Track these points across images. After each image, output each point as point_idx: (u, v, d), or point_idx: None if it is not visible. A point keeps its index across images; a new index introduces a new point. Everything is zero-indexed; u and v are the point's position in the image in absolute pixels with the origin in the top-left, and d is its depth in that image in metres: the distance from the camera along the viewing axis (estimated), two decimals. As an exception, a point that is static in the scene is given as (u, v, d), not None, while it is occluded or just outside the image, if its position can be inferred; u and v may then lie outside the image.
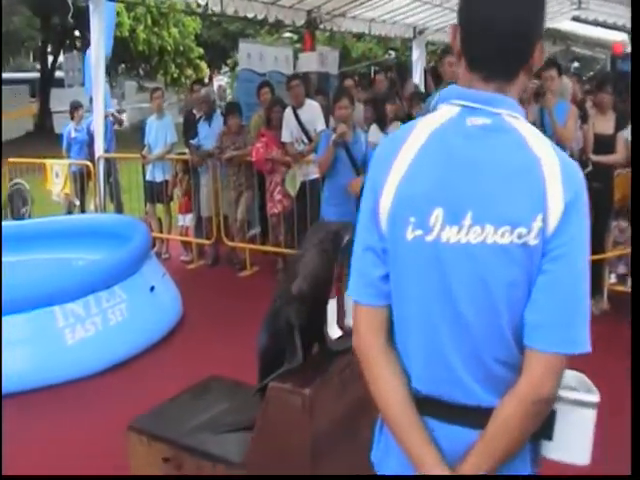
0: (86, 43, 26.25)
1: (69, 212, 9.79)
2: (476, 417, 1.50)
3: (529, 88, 6.36)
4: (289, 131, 7.43)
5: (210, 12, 11.68)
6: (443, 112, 1.54)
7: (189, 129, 8.72)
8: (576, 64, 27.06)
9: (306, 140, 7.40)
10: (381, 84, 8.51)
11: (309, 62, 11.75)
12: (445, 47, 9.40)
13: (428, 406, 1.55)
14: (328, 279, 3.26)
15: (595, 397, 1.55)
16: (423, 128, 1.53)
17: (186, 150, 8.80)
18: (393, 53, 27.88)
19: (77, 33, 27.54)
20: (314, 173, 7.23)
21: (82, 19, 9.80)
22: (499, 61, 1.51)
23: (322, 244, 3.10)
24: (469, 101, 1.51)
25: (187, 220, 8.60)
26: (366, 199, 1.59)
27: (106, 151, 9.37)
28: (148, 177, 8.80)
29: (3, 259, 6.94)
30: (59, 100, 27.50)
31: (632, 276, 4.85)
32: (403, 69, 12.85)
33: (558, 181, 1.42)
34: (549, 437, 1.53)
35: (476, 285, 1.45)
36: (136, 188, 9.41)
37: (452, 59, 6.26)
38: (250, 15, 12.00)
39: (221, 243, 8.20)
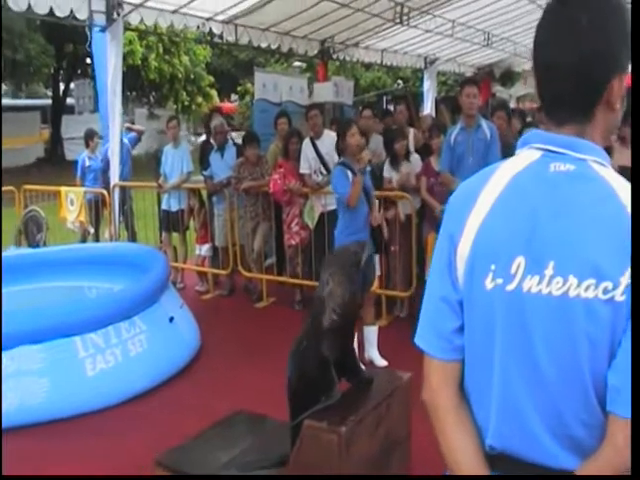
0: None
1: (83, 240, 9.80)
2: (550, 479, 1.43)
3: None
4: (307, 162, 7.45)
5: (225, 42, 11.79)
6: (524, 157, 1.48)
7: (205, 158, 8.76)
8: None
9: (324, 171, 7.41)
10: (402, 115, 8.55)
11: (324, 92, 11.83)
12: (463, 79, 9.45)
13: (502, 463, 1.48)
14: (355, 305, 3.26)
15: None
16: (503, 173, 1.48)
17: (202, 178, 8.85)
18: (402, 82, 28.08)
19: (88, 60, 27.79)
20: (332, 204, 7.25)
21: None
22: (569, 102, 1.44)
23: (344, 269, 3.10)
24: (551, 145, 1.45)
25: (204, 250, 8.62)
26: (441, 248, 1.55)
27: (121, 178, 9.41)
28: (164, 206, 8.84)
29: (21, 287, 7.00)
30: (70, 127, 27.76)
31: (632, 276, 4.81)
32: (416, 99, 12.90)
33: None
34: None
35: (558, 339, 1.38)
36: (151, 216, 9.45)
37: (470, 90, 6.31)
38: (264, 45, 12.12)
39: (237, 273, 8.21)
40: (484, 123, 6.34)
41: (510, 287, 1.41)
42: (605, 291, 1.32)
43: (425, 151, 7.20)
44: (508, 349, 1.43)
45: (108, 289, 7.06)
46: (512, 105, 25.73)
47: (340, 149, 5.87)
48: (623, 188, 1.38)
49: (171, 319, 5.96)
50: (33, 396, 4.98)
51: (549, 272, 1.37)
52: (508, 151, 6.51)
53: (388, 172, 7.27)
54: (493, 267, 1.43)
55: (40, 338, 5.15)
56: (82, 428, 4.89)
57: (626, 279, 1.31)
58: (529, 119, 9.54)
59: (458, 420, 1.53)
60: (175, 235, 8.83)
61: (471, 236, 1.47)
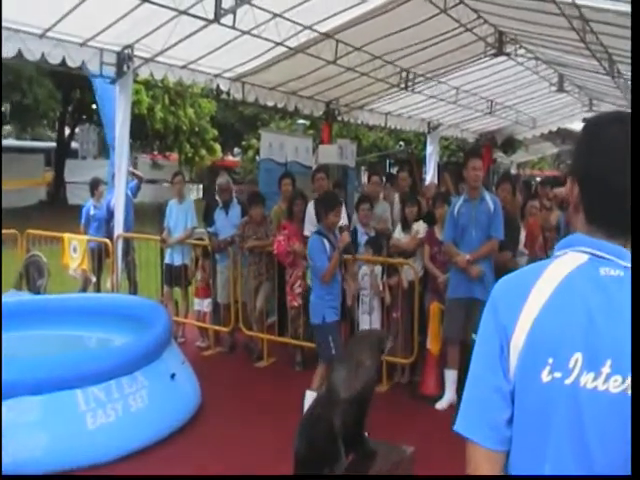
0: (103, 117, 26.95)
1: (85, 288, 9.82)
2: None
3: (557, 196, 6.53)
4: (312, 225, 7.56)
5: (232, 99, 12.01)
6: (572, 258, 1.55)
7: (210, 215, 8.86)
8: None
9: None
10: (404, 182, 8.71)
11: (329, 154, 12.02)
12: (467, 149, 9.58)
13: None
14: (374, 382, 3.33)
15: None
16: (555, 271, 1.54)
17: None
18: (404, 144, 28.43)
19: (94, 106, 28.15)
20: (336, 267, 7.33)
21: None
22: (624, 221, 1.52)
23: (371, 351, 3.18)
24: (600, 251, 1.53)
25: (205, 305, 8.65)
26: (490, 338, 1.57)
27: (125, 227, 9.49)
28: (167, 260, 8.91)
29: (20, 333, 7.00)
30: (73, 171, 27.98)
31: (632, 276, 4.84)
32: (419, 164, 13.11)
33: None
34: None
35: (614, 435, 1.43)
36: (153, 267, 9.50)
37: (476, 163, 6.43)
38: (270, 103, 12.35)
39: (238, 331, 8.24)
40: (487, 195, 6.42)
41: (568, 381, 1.45)
42: None
43: (429, 220, 7.32)
44: (563, 440, 1.46)
45: (109, 341, 7.10)
46: (513, 171, 26.08)
47: (319, 218, 6.01)
48: None
49: (173, 376, 5.97)
50: (30, 448, 4.95)
51: (606, 370, 1.43)
52: (512, 224, 6.64)
53: (398, 234, 7.41)
54: (551, 360, 1.47)
55: (41, 389, 5.15)
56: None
57: None
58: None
59: None
60: (177, 289, 8.88)
61: (526, 328, 1.50)
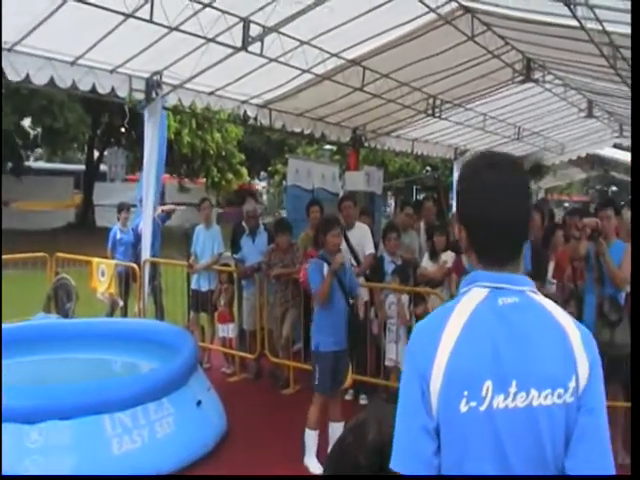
0: (131, 142, 27.29)
1: (112, 311, 9.90)
2: None
3: (586, 226, 6.44)
4: (338, 252, 7.54)
5: (259, 124, 12.10)
6: (475, 295, 1.77)
7: (237, 241, 8.87)
8: (614, 188, 27.41)
9: (354, 262, 7.49)
10: (430, 212, 8.68)
11: (356, 181, 12.04)
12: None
13: None
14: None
15: None
16: (460, 311, 1.75)
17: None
18: (430, 169, 28.41)
19: (122, 130, 28.52)
20: (363, 297, 7.31)
21: (131, 118, 10.18)
22: (508, 251, 1.79)
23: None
24: (496, 282, 1.76)
25: (230, 331, 8.65)
26: (411, 384, 1.75)
27: (151, 252, 9.56)
28: (194, 285, 8.95)
29: (50, 356, 7.07)
30: (102, 194, 28.32)
31: (632, 277, 4.78)
32: (446, 191, 13.10)
33: (581, 347, 1.69)
34: None
35: (527, 443, 1.66)
36: (180, 292, 9.54)
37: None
38: (297, 129, 12.42)
39: (264, 357, 8.24)
40: None
41: (482, 408, 1.67)
42: (559, 396, 1.66)
43: (456, 249, 7.28)
44: (484, 458, 1.68)
45: (136, 366, 7.14)
46: (541, 196, 25.90)
47: (320, 243, 5.97)
48: (557, 310, 1.75)
49: (199, 403, 5.97)
50: (59, 471, 4.97)
51: (513, 389, 1.66)
52: (540, 254, 6.57)
53: (426, 263, 7.38)
54: (466, 393, 1.67)
55: (70, 414, 5.19)
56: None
57: (572, 384, 1.67)
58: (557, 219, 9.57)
59: None
60: (203, 315, 8.90)
61: (441, 371, 1.69)
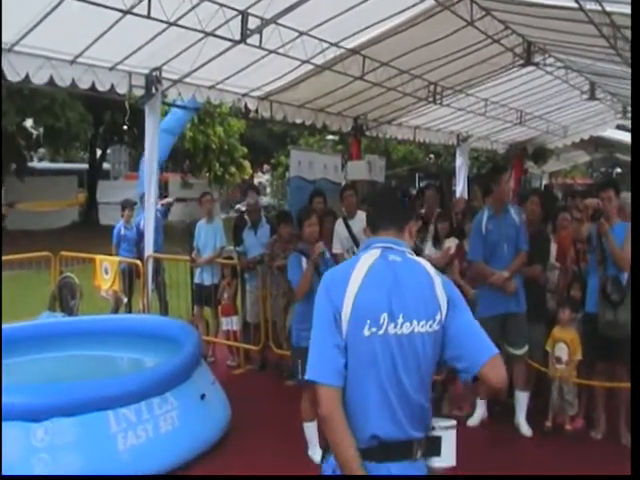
0: (134, 139, 27.26)
1: (116, 308, 9.90)
2: (401, 449, 2.36)
3: (588, 207, 6.40)
4: (340, 242, 7.53)
5: (260, 117, 12.05)
6: (372, 253, 2.52)
7: (239, 234, 8.88)
8: (618, 170, 27.24)
9: (357, 251, 7.46)
10: (432, 200, 8.62)
11: (358, 171, 12.01)
12: (496, 165, 9.40)
13: (376, 452, 2.34)
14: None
15: (454, 422, 2.50)
16: (364, 262, 2.47)
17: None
18: (433, 157, 28.30)
19: (125, 127, 28.50)
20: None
21: (133, 116, 10.16)
22: (393, 219, 2.62)
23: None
24: (385, 244, 2.53)
25: (233, 323, 8.64)
26: (325, 311, 2.42)
27: (155, 248, 9.55)
28: (197, 280, 8.94)
29: (55, 354, 7.08)
30: (105, 192, 28.35)
31: (632, 276, 4.77)
32: (448, 177, 13.06)
33: (442, 289, 2.45)
34: (439, 454, 2.40)
35: (411, 360, 2.36)
36: (183, 286, 9.53)
37: (506, 177, 6.36)
38: (298, 121, 12.37)
39: (269, 349, 8.22)
40: (511, 208, 6.34)
41: (380, 332, 2.35)
42: (430, 325, 2.39)
43: (458, 234, 7.24)
44: (381, 372, 2.35)
45: (140, 361, 7.14)
46: (545, 181, 25.73)
47: (299, 235, 5.98)
48: (426, 265, 2.52)
49: (203, 396, 5.96)
50: (65, 469, 4.98)
51: (400, 320, 2.37)
52: (541, 237, 6.52)
53: (429, 250, 7.34)
54: (368, 321, 2.36)
55: (75, 411, 5.19)
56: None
57: (438, 316, 2.41)
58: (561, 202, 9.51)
59: (345, 427, 2.33)
60: (207, 309, 8.89)
61: (350, 303, 2.37)
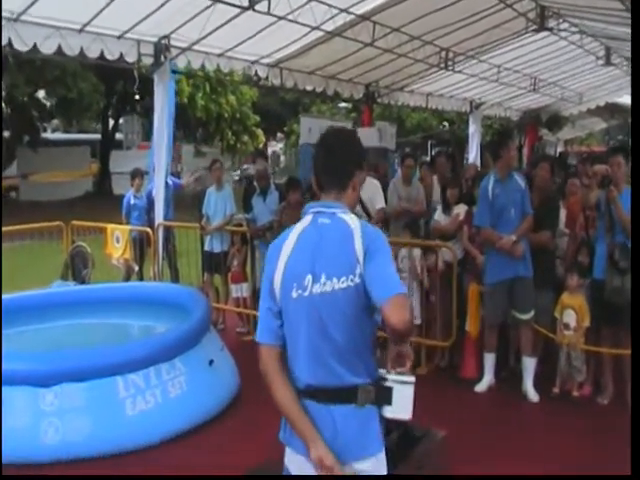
0: (146, 108, 27.23)
1: (128, 277, 9.96)
2: (342, 394, 2.44)
3: (597, 173, 6.33)
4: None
5: (270, 84, 12.00)
6: (306, 219, 2.58)
7: (248, 201, 8.88)
8: (635, 137, 26.97)
9: (366, 218, 7.46)
10: (443, 167, 8.57)
11: (368, 137, 11.90)
12: (504, 131, 9.27)
13: (315, 392, 2.46)
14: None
15: (413, 379, 2.45)
16: (296, 230, 2.56)
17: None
18: (447, 125, 28.12)
19: (137, 97, 28.48)
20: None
21: (144, 85, 10.13)
22: (331, 183, 2.58)
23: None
24: (317, 208, 2.56)
25: (243, 290, 8.67)
26: (264, 282, 2.59)
27: (165, 217, 9.58)
28: (206, 247, 8.96)
29: (65, 321, 7.15)
30: (118, 162, 28.35)
31: (632, 275, 4.76)
32: (461, 145, 13.00)
33: (360, 239, 2.43)
34: (389, 403, 2.43)
35: (337, 313, 2.44)
36: (194, 254, 9.56)
37: (514, 144, 6.31)
38: (309, 88, 12.31)
39: (279, 315, 8.22)
40: (515, 174, 6.30)
41: (306, 294, 2.47)
42: (352, 280, 2.42)
43: (468, 200, 7.20)
44: (311, 328, 2.46)
45: (151, 328, 7.19)
46: (560, 149, 25.49)
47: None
48: (351, 219, 2.50)
49: (211, 362, 6.00)
50: (75, 433, 5.08)
51: (323, 280, 2.45)
52: (550, 203, 6.48)
53: (439, 216, 7.32)
54: (295, 285, 2.48)
55: (84, 377, 5.25)
56: (119, 467, 4.94)
57: (357, 270, 2.41)
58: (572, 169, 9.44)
59: (282, 379, 2.49)
60: (217, 276, 8.93)
61: (281, 272, 2.51)
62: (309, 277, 2.46)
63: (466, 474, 4.50)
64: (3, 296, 6.74)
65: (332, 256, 2.45)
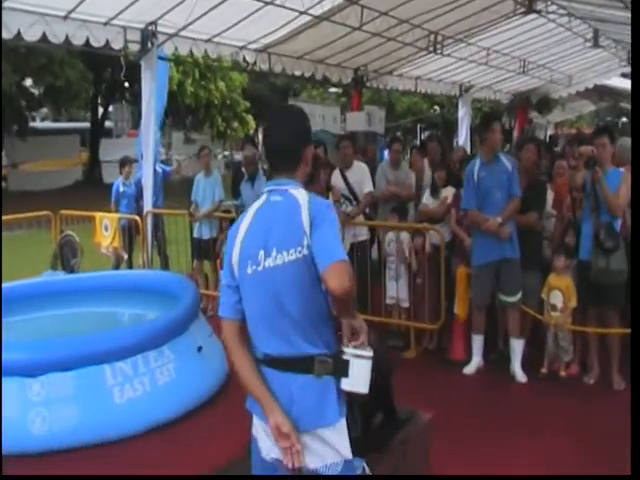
0: (135, 96, 27.10)
1: (117, 265, 9.94)
2: (299, 364, 2.51)
3: (583, 155, 6.30)
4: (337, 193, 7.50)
5: (258, 70, 11.94)
6: (262, 197, 2.67)
7: (236, 188, 8.84)
8: (624, 119, 26.97)
9: (354, 201, 7.46)
10: (434, 152, 8.57)
11: (357, 121, 11.94)
12: (488, 114, 9.25)
13: (273, 362, 2.55)
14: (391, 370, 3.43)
15: (370, 353, 2.52)
16: (251, 210, 2.67)
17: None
18: (438, 108, 28.06)
19: (126, 85, 28.30)
20: (363, 235, 7.29)
21: (133, 73, 10.07)
22: (282, 162, 2.68)
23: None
24: (271, 187, 2.66)
25: (233, 277, 8.61)
26: (226, 258, 2.69)
27: (154, 204, 9.55)
28: (195, 234, 8.94)
29: (54, 311, 7.13)
30: (108, 150, 28.24)
31: (632, 275, 4.78)
32: (450, 128, 12.99)
33: (307, 212, 2.50)
34: (346, 375, 2.48)
35: (288, 286, 2.51)
36: (183, 242, 9.53)
37: (498, 127, 6.31)
38: (298, 73, 12.26)
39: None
40: (502, 156, 6.28)
41: (259, 268, 2.56)
42: (300, 252, 2.49)
43: (456, 183, 7.19)
44: (267, 301, 2.55)
45: (140, 316, 7.18)
46: (550, 132, 25.46)
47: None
48: (300, 195, 2.57)
49: (199, 349, 5.99)
50: (63, 423, 5.06)
51: (274, 254, 2.53)
52: (537, 185, 6.48)
53: (427, 199, 7.31)
54: (249, 261, 2.57)
55: (71, 366, 5.24)
56: (108, 455, 4.95)
57: (304, 241, 2.47)
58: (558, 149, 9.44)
59: (242, 351, 2.60)
60: (207, 263, 8.90)
61: (238, 247, 2.62)
62: (262, 252, 2.55)
63: (452, 456, 4.55)
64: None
65: (282, 230, 2.54)
